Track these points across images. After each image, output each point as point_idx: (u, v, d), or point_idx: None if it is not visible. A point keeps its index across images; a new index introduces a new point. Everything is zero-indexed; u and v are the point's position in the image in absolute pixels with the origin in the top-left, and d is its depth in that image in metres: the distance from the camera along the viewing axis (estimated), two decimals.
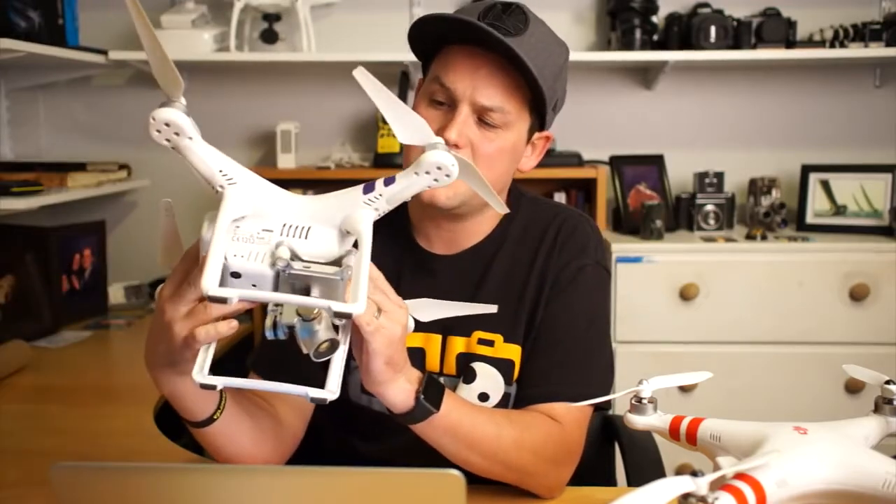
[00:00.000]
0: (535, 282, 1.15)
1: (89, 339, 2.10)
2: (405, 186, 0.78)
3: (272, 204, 0.78)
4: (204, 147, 0.77)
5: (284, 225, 0.77)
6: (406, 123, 0.76)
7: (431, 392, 0.92)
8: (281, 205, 0.78)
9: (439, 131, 1.06)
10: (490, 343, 1.13)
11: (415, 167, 0.76)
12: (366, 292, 0.72)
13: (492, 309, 0.98)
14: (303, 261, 0.77)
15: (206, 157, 0.77)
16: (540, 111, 1.12)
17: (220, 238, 0.74)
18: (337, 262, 0.78)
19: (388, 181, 0.78)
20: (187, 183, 2.91)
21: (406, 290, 0.94)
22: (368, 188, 0.78)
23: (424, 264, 1.18)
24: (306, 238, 0.77)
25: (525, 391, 1.12)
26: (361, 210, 0.78)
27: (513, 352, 1.13)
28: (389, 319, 0.84)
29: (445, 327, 1.13)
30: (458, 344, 1.14)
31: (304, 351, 0.78)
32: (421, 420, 0.93)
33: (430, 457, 0.96)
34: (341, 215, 0.78)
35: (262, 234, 0.76)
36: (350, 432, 1.19)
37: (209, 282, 0.71)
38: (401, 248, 1.18)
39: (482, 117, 1.07)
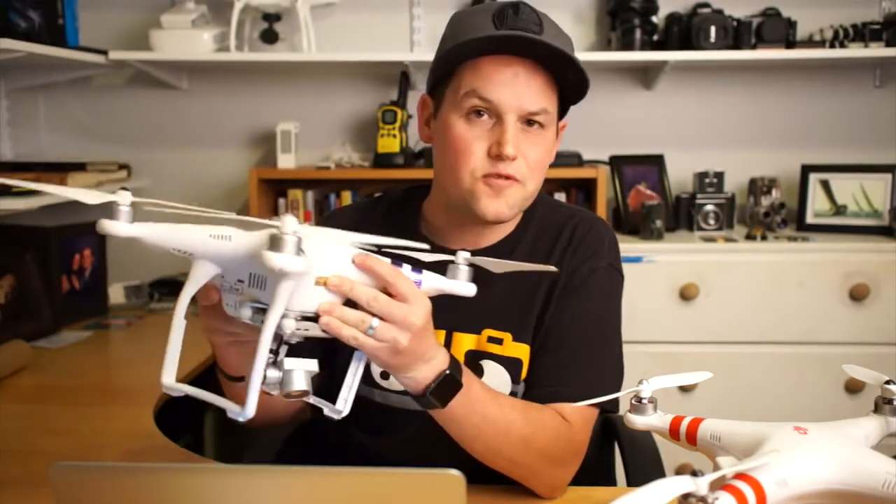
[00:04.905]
0: (547, 282, 1.14)
1: (89, 339, 2.10)
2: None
3: (235, 258, 0.81)
4: (154, 236, 0.79)
5: (251, 275, 0.81)
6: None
7: (444, 388, 0.92)
8: (243, 256, 0.81)
9: (491, 147, 1.07)
10: (499, 341, 1.13)
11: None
12: (255, 399, 0.77)
13: (552, 269, 0.99)
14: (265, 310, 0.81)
15: (160, 243, 0.79)
16: (564, 103, 1.14)
17: (176, 332, 0.83)
18: None
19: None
20: (187, 183, 2.89)
21: None
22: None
23: None
24: (264, 289, 0.80)
25: (532, 390, 1.11)
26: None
27: (521, 351, 1.13)
28: (389, 331, 0.83)
29: (452, 324, 1.13)
30: (468, 341, 1.14)
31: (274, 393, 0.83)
32: (426, 408, 0.94)
33: (434, 451, 0.95)
34: None
35: (237, 284, 0.83)
36: (352, 424, 1.18)
37: (166, 376, 0.83)
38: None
39: (526, 122, 1.09)
